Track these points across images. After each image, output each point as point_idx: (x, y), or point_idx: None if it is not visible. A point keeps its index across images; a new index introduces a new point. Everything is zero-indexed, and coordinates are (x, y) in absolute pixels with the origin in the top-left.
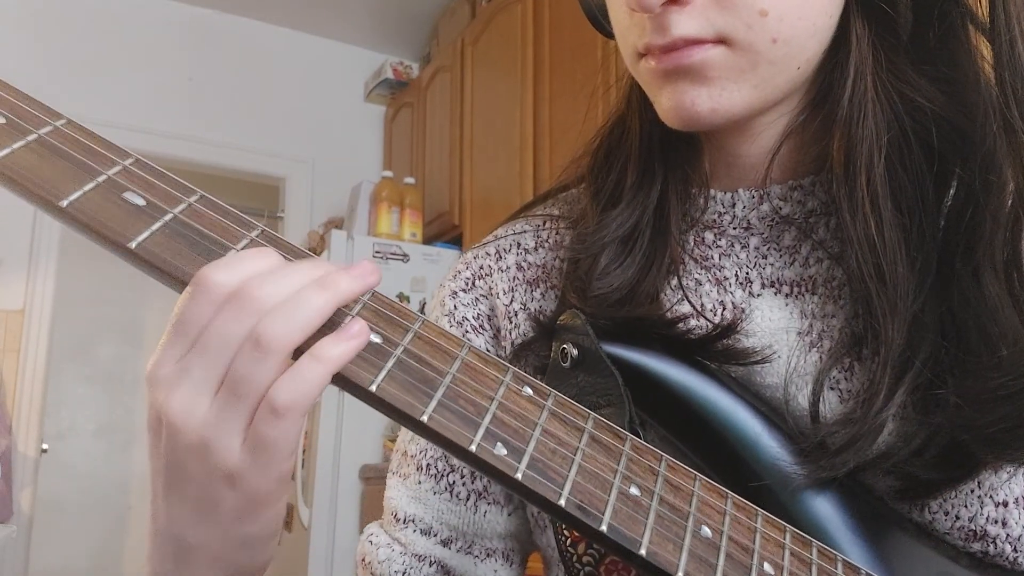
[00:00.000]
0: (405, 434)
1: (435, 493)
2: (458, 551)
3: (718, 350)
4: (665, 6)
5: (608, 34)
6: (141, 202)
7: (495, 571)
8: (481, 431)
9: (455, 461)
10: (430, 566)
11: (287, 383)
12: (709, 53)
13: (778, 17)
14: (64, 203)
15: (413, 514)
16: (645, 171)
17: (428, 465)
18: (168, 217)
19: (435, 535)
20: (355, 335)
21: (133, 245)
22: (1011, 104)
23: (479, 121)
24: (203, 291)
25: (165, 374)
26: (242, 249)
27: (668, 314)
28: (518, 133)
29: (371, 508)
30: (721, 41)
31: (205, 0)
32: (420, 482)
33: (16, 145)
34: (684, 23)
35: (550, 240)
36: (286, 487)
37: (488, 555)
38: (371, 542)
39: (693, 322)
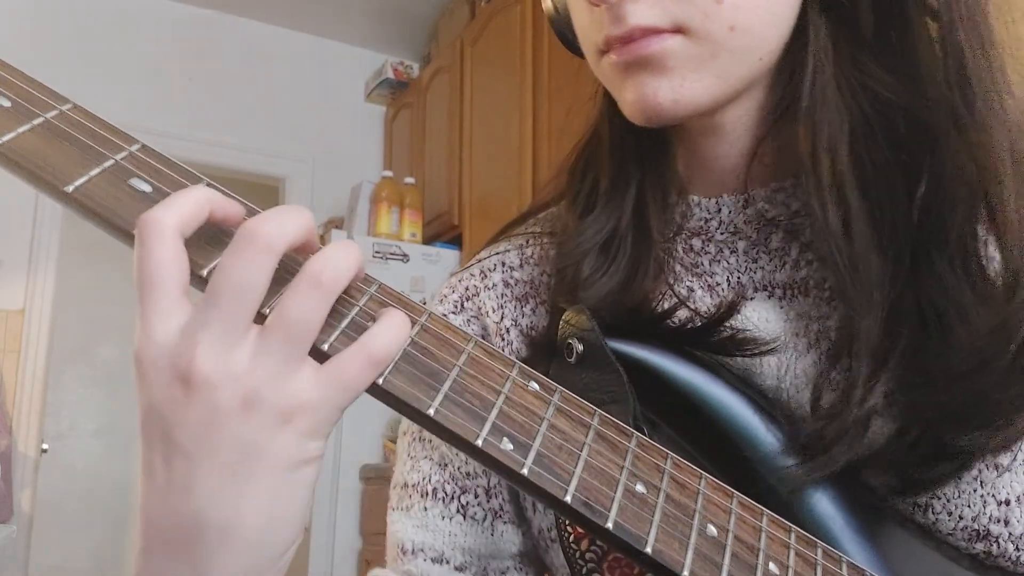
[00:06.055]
0: (403, 465)
1: (444, 518)
2: None
3: (721, 339)
4: None
5: (577, 51)
6: (148, 188)
7: None
8: (488, 425)
9: (467, 482)
10: None
11: (386, 331)
12: (667, 43)
13: (734, 5)
14: (70, 188)
15: (422, 542)
16: (618, 174)
17: (434, 490)
18: None
19: (447, 562)
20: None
21: None
22: (955, 91)
23: (479, 121)
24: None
25: (170, 338)
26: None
27: (659, 307)
28: (517, 133)
29: (371, 508)
30: (679, 30)
31: (205, 0)
32: (427, 508)
33: (22, 129)
34: (640, 12)
35: (535, 256)
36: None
37: None
38: None
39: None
